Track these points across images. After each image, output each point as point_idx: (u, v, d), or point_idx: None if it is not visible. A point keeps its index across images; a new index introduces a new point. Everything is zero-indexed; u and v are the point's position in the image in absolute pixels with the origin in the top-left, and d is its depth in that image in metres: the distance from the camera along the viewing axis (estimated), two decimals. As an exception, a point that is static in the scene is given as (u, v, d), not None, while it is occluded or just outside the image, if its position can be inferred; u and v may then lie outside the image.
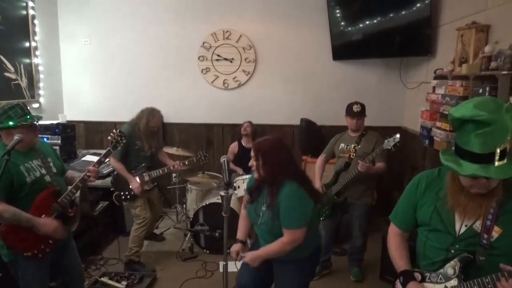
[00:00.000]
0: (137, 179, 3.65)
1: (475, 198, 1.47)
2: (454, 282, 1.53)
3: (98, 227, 4.18)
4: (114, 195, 3.70)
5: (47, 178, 2.38)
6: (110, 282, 3.36)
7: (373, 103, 4.56)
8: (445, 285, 1.55)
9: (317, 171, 3.58)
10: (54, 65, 5.10)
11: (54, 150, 2.67)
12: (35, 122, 2.33)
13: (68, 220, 2.44)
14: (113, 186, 3.77)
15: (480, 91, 2.61)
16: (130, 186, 3.62)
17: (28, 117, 2.30)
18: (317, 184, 3.51)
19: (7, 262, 2.35)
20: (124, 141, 2.76)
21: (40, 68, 4.75)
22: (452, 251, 1.56)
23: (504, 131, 1.34)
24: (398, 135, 3.13)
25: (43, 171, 2.38)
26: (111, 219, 4.50)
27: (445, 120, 3.22)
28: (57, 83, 5.19)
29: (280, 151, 2.08)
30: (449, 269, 1.55)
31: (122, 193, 3.66)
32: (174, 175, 4.64)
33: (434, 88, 3.46)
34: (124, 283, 3.36)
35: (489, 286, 1.42)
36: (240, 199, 3.89)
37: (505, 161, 1.35)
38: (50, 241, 2.34)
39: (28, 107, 2.40)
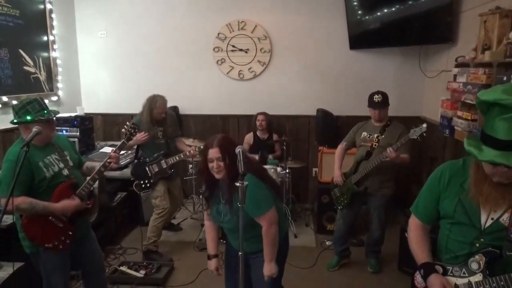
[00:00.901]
0: (155, 166, 3.69)
1: (498, 188, 1.40)
2: (478, 277, 1.47)
3: (116, 218, 4.26)
4: (134, 184, 3.74)
5: (65, 171, 2.42)
6: (128, 271, 3.42)
7: (391, 92, 4.44)
8: (468, 280, 1.49)
9: (337, 159, 3.53)
10: (71, 59, 5.16)
11: (71, 143, 2.70)
12: (52, 117, 2.35)
13: (86, 211, 2.47)
14: (132, 175, 3.80)
15: (504, 78, 2.52)
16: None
17: (45, 112, 2.31)
18: (337, 173, 3.47)
19: (29, 254, 2.40)
20: (136, 131, 2.77)
21: (58, 61, 4.81)
22: (477, 245, 1.50)
23: None
24: (425, 125, 3.04)
25: (61, 165, 2.41)
26: (129, 209, 4.57)
27: (466, 109, 3.13)
28: (74, 76, 5.26)
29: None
30: (473, 263, 1.49)
31: (142, 182, 3.70)
32: (190, 166, 4.67)
33: (455, 76, 3.36)
34: (143, 272, 3.41)
35: None
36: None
37: None
38: (70, 232, 2.38)
39: (46, 101, 2.42)
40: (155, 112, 3.72)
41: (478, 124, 2.96)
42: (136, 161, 3.82)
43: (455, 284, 1.52)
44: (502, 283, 1.40)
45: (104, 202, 3.95)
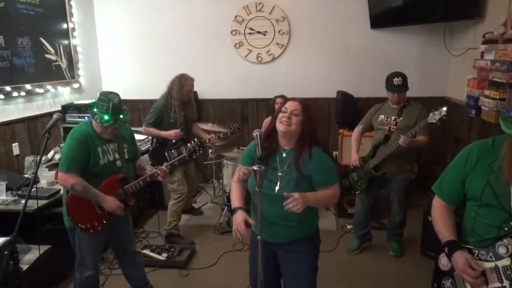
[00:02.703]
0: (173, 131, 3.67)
1: None
2: (506, 261, 1.43)
3: (139, 202, 4.34)
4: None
5: (118, 163, 2.48)
6: (151, 254, 3.50)
7: (414, 72, 4.34)
8: (495, 264, 1.45)
9: (354, 143, 3.46)
10: (91, 46, 5.21)
11: (133, 135, 2.72)
12: (107, 125, 2.32)
13: (126, 207, 2.54)
14: (151, 159, 3.78)
15: (536, 54, 2.39)
16: (171, 138, 3.66)
17: (105, 118, 2.30)
18: (354, 157, 3.41)
19: (67, 229, 2.51)
20: (201, 151, 2.86)
21: (79, 49, 4.86)
22: (505, 228, 1.44)
23: None
24: (445, 108, 2.91)
25: (117, 156, 2.48)
26: (150, 194, 4.65)
27: (494, 88, 3.00)
28: (95, 63, 5.32)
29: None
30: (501, 247, 1.44)
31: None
32: (210, 151, 4.69)
33: (482, 53, 3.21)
34: (165, 255, 3.48)
35: None
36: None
37: None
38: (104, 221, 2.46)
39: (123, 107, 2.42)
40: (184, 90, 3.69)
41: (506, 103, 2.83)
42: (154, 145, 3.83)
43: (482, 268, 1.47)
44: None
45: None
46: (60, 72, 4.54)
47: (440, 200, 1.70)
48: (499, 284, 1.43)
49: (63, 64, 4.58)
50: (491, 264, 1.46)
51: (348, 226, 4.04)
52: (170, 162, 2.69)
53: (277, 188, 1.93)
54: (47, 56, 4.31)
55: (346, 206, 4.30)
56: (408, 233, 3.63)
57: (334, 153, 4.99)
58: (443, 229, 1.62)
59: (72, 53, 4.74)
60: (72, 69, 4.75)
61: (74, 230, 2.46)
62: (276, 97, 4.73)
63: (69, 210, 2.39)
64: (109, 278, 3.20)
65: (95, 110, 2.34)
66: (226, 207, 4.17)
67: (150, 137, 4.53)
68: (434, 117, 2.94)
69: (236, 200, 2.03)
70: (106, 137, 2.43)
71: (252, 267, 2.19)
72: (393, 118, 3.26)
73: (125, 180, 2.51)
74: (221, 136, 3.87)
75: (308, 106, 2.06)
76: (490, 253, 1.47)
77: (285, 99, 2.05)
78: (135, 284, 2.84)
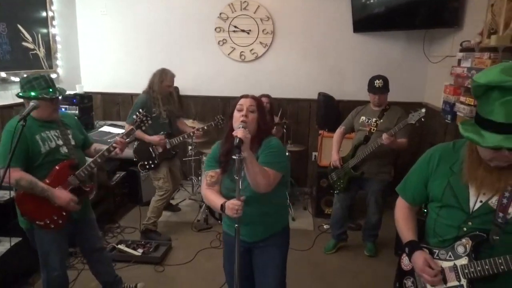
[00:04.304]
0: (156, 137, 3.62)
1: (493, 172, 1.37)
2: (464, 260, 1.47)
3: (115, 197, 4.27)
4: (139, 165, 3.70)
5: (63, 149, 2.37)
6: (126, 249, 3.44)
7: (394, 77, 4.39)
8: (454, 263, 1.49)
9: (335, 143, 3.52)
10: (71, 36, 5.09)
11: (78, 123, 2.66)
12: (57, 96, 2.29)
13: (83, 194, 2.44)
14: (136, 156, 3.74)
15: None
16: (155, 144, 3.61)
17: (51, 90, 2.27)
18: (334, 157, 3.46)
19: (24, 230, 2.40)
20: (149, 122, 2.70)
21: (58, 38, 4.74)
22: (464, 229, 1.48)
23: None
24: (423, 110, 2.99)
25: (60, 142, 2.37)
26: (128, 189, 4.58)
27: (469, 95, 3.09)
28: (74, 54, 5.19)
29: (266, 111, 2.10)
30: (460, 247, 1.48)
31: (146, 163, 3.67)
32: (190, 147, 4.66)
33: (459, 61, 3.31)
34: (140, 250, 3.43)
35: (502, 267, 1.36)
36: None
37: None
38: (64, 213, 2.36)
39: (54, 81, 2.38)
40: (164, 84, 3.65)
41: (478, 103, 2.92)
42: (138, 140, 3.76)
43: (441, 267, 1.51)
44: (487, 266, 1.40)
45: (102, 180, 3.96)
46: (38, 61, 4.41)
47: (403, 201, 1.75)
48: (456, 283, 1.47)
49: (41, 53, 4.45)
50: (450, 264, 1.50)
51: (324, 226, 4.09)
52: (125, 132, 2.56)
53: (241, 187, 1.85)
54: (24, 44, 4.18)
55: (324, 206, 4.35)
56: (383, 234, 3.70)
57: (314, 154, 5.05)
58: (405, 230, 1.67)
59: (51, 42, 4.61)
60: (50, 58, 4.63)
61: (32, 229, 2.35)
62: (262, 96, 4.73)
63: (22, 209, 2.29)
64: (82, 273, 3.13)
65: (33, 94, 2.22)
66: (204, 204, 4.15)
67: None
68: (413, 118, 3.01)
69: (217, 199, 1.96)
70: (55, 117, 2.35)
71: (227, 265, 2.21)
72: (374, 120, 3.32)
73: (76, 167, 2.38)
74: (205, 128, 3.85)
75: (261, 102, 2.06)
76: (450, 253, 1.51)
77: (240, 96, 2.02)
78: (104, 279, 2.76)
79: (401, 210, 1.74)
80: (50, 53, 4.61)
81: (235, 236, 1.86)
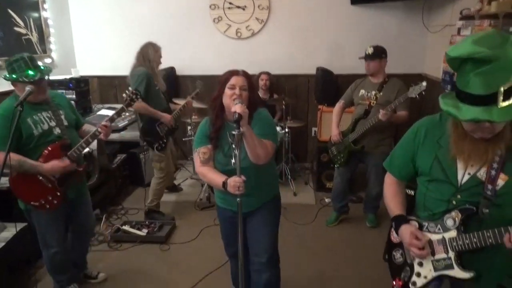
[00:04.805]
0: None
1: (480, 143, 1.35)
2: (453, 233, 1.47)
3: (116, 180, 4.29)
4: (155, 147, 3.56)
5: (56, 130, 2.37)
6: (131, 230, 3.49)
7: (393, 49, 4.33)
8: (443, 236, 1.49)
9: (335, 117, 3.50)
10: (63, 19, 5.00)
11: (69, 103, 2.64)
12: (37, 79, 2.22)
13: (76, 174, 2.45)
14: (147, 136, 3.59)
15: (511, 29, 2.44)
16: (162, 121, 3.51)
17: (31, 72, 2.20)
18: (334, 132, 3.46)
19: (23, 211, 2.44)
20: (138, 98, 2.63)
21: (50, 22, 4.66)
22: (454, 202, 1.47)
23: (508, 68, 1.18)
24: (424, 83, 2.95)
25: (52, 124, 2.36)
26: (129, 171, 4.60)
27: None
28: (67, 38, 5.11)
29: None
30: (449, 220, 1.48)
31: (158, 143, 3.58)
32: (189, 127, 4.66)
33: (459, 30, 3.26)
34: (145, 230, 3.47)
35: (490, 240, 1.36)
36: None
37: (511, 101, 1.19)
38: (58, 193, 2.37)
39: (39, 62, 2.32)
40: (158, 54, 3.59)
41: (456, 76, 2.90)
42: (142, 125, 3.65)
43: (430, 240, 1.52)
44: (475, 240, 1.40)
45: (103, 164, 3.97)
46: (31, 46, 4.35)
47: (391, 177, 1.73)
48: (444, 255, 1.49)
49: (34, 37, 4.39)
50: (439, 236, 1.50)
51: (326, 200, 4.13)
52: (109, 117, 2.50)
53: (233, 161, 1.93)
54: (16, 29, 4.11)
55: (325, 180, 4.38)
56: (383, 205, 3.72)
57: (313, 129, 5.04)
58: (392, 205, 1.66)
59: (43, 26, 4.54)
60: (44, 43, 4.56)
61: (30, 211, 2.39)
62: (261, 73, 4.69)
63: (16, 190, 2.31)
64: (88, 255, 3.17)
65: (14, 76, 2.20)
66: (206, 183, 4.17)
67: (126, 114, 4.45)
68: (414, 91, 2.98)
69: (218, 177, 1.98)
70: (41, 98, 2.31)
71: (227, 241, 2.36)
72: (373, 93, 3.30)
73: (68, 147, 2.37)
74: (194, 96, 3.86)
75: (251, 78, 2.06)
76: (439, 226, 1.51)
77: (230, 73, 2.00)
78: (74, 258, 2.77)
79: (390, 187, 1.72)
80: (43, 38, 4.54)
81: (230, 210, 2.01)
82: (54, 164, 2.29)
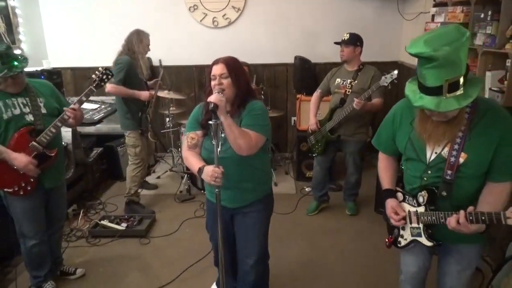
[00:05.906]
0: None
1: (439, 126, 1.50)
2: (422, 209, 1.68)
3: (93, 173, 4.20)
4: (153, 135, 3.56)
5: (29, 117, 2.32)
6: (110, 224, 3.43)
7: (369, 37, 4.36)
8: (416, 210, 1.71)
9: (312, 107, 3.51)
10: (32, 9, 4.80)
11: (54, 91, 2.56)
12: (7, 76, 2.19)
13: (48, 160, 2.40)
14: (144, 126, 3.62)
15: (482, 15, 2.48)
16: (142, 98, 3.46)
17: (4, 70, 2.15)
18: (312, 121, 3.47)
19: (2, 196, 2.40)
20: (109, 78, 2.57)
21: (18, 11, 4.47)
22: (425, 178, 1.65)
23: (453, 65, 1.32)
24: (396, 72, 3.01)
25: (26, 110, 2.32)
26: (107, 165, 4.51)
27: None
28: (37, 28, 4.93)
29: (245, 71, 2.05)
30: (420, 197, 1.68)
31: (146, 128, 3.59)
32: (167, 119, 4.59)
33: (433, 16, 3.30)
34: (124, 224, 3.42)
35: (441, 220, 1.57)
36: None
37: (458, 92, 1.35)
38: (32, 179, 2.34)
39: (18, 55, 2.30)
40: (144, 44, 3.54)
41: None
42: (129, 111, 3.55)
43: (409, 211, 1.73)
44: (433, 218, 1.61)
45: (79, 158, 3.88)
46: (-2, 37, 4.17)
47: (382, 152, 1.93)
48: (416, 225, 1.72)
49: (1, 28, 4.20)
50: (414, 209, 1.72)
51: (306, 189, 4.16)
52: (77, 100, 2.43)
53: (219, 150, 1.85)
54: (-18, 19, 3.94)
55: (305, 170, 4.41)
56: (363, 192, 3.79)
57: (293, 118, 5.05)
58: (383, 179, 1.88)
59: (11, 16, 4.35)
60: (12, 33, 4.38)
61: (4, 197, 2.37)
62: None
63: None
64: (66, 250, 3.11)
65: None
66: (186, 175, 4.14)
67: (102, 106, 4.36)
68: (386, 80, 3.04)
69: (196, 163, 1.96)
70: (13, 91, 2.28)
71: (211, 232, 2.28)
72: (348, 81, 3.32)
73: (38, 133, 2.33)
74: (161, 82, 3.88)
75: (234, 63, 1.98)
76: (414, 200, 1.72)
77: (212, 63, 1.96)
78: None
79: (382, 161, 1.92)
80: (11, 28, 4.36)
81: (214, 202, 1.88)
82: (18, 157, 2.26)
